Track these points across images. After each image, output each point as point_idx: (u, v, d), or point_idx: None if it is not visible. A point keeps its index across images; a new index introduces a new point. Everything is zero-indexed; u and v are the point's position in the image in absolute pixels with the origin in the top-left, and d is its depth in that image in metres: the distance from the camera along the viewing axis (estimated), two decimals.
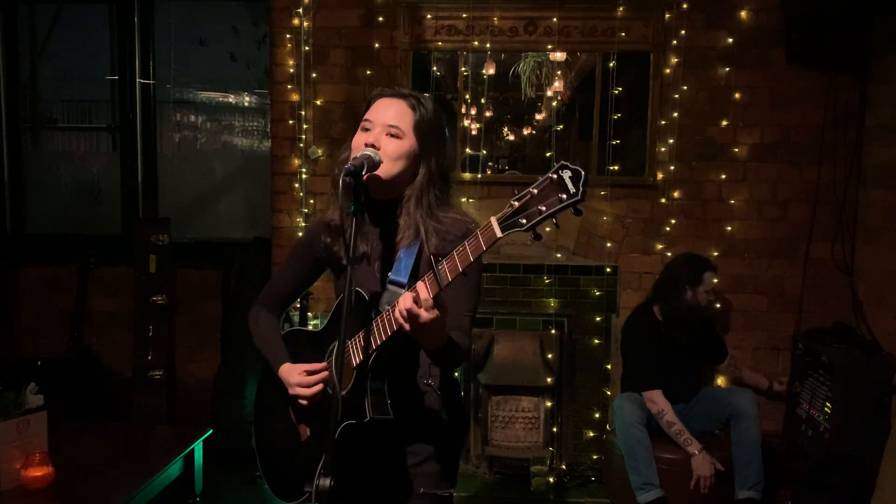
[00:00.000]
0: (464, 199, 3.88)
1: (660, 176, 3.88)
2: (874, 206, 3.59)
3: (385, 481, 1.72)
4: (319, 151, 3.96)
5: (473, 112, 4.00)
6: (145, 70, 4.54)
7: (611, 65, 3.81)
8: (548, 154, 3.95)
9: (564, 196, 1.29)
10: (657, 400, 3.28)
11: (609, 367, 3.87)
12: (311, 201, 4.00)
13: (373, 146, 1.61)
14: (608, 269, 3.86)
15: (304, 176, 3.99)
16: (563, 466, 3.87)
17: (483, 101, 3.98)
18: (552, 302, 3.86)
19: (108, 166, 4.69)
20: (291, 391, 1.70)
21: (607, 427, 3.79)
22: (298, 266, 1.87)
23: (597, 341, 3.87)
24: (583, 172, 1.29)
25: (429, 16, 3.89)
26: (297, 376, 1.69)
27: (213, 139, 4.90)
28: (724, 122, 3.82)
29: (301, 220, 3.99)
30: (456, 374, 1.87)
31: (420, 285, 1.42)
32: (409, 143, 1.65)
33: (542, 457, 3.73)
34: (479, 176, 3.94)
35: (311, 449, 1.71)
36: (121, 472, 2.31)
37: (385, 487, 1.72)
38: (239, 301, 4.12)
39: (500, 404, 3.78)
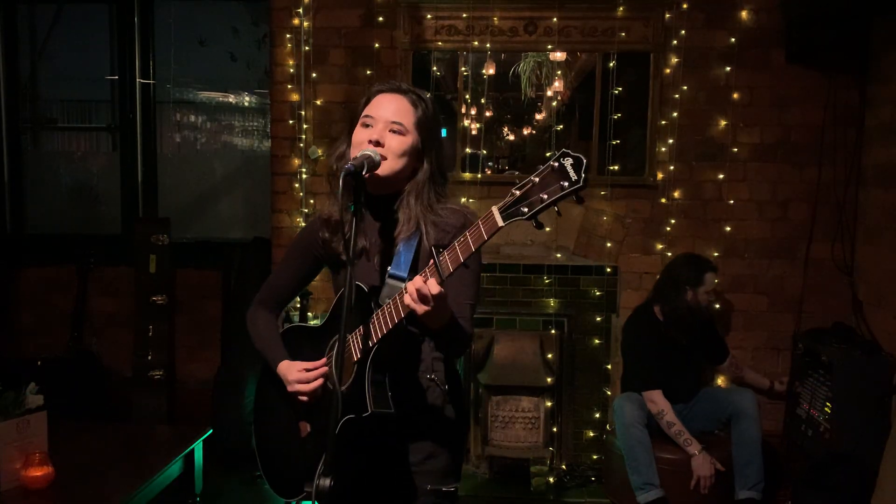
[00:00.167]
0: (464, 199, 3.88)
1: (660, 176, 3.88)
2: (874, 206, 3.59)
3: (389, 478, 1.72)
4: (319, 151, 3.96)
5: (473, 112, 4.00)
6: (145, 70, 4.54)
7: (611, 65, 3.81)
8: (548, 154, 3.94)
9: (566, 183, 1.29)
10: (657, 400, 3.28)
11: (609, 367, 3.87)
12: (311, 201, 4.00)
13: (377, 143, 1.61)
14: (608, 269, 3.86)
15: (304, 176, 3.99)
16: (563, 466, 3.87)
17: (483, 101, 3.98)
18: (552, 302, 3.86)
19: (108, 166, 4.69)
20: (290, 388, 1.70)
21: (607, 427, 3.79)
22: (297, 264, 1.86)
23: (597, 341, 3.87)
24: (584, 159, 1.30)
25: (429, 16, 3.89)
26: (296, 373, 1.69)
27: (213, 139, 4.90)
28: (724, 122, 3.82)
29: (301, 220, 3.99)
30: (458, 368, 1.87)
31: (425, 274, 1.43)
32: (412, 139, 1.65)
33: (542, 457, 3.73)
34: (479, 176, 3.94)
35: (311, 445, 1.71)
36: (121, 472, 2.31)
37: (390, 484, 1.72)
38: (239, 301, 4.12)
39: (500, 404, 3.78)
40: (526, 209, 1.32)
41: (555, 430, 3.86)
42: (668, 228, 3.86)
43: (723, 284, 3.79)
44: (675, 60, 3.81)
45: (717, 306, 3.81)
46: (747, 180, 3.85)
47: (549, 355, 3.86)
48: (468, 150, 3.99)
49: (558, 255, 3.90)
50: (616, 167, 3.87)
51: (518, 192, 1.34)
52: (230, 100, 4.79)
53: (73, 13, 4.74)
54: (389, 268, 1.60)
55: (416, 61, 3.93)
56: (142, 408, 4.13)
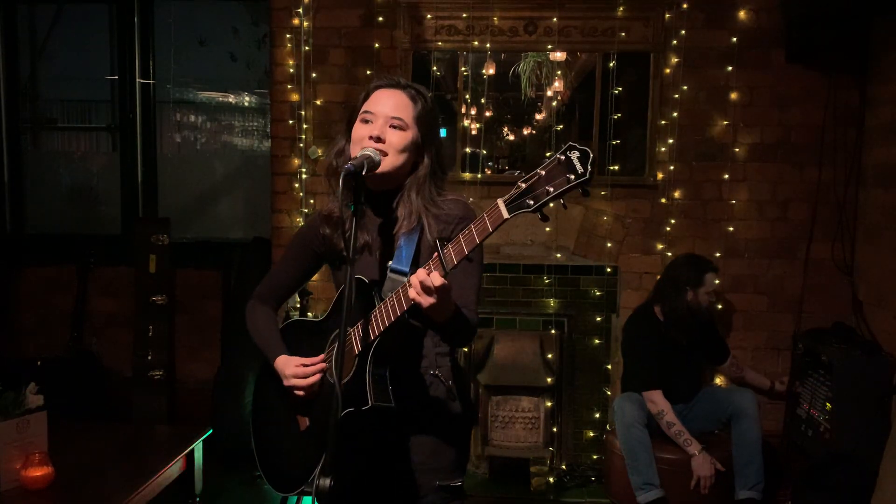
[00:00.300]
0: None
1: (660, 176, 3.87)
2: (874, 206, 3.59)
3: (395, 475, 1.72)
4: (319, 151, 3.96)
5: (473, 112, 4.00)
6: (145, 70, 4.54)
7: (611, 65, 3.81)
8: (548, 154, 3.93)
9: (572, 176, 1.29)
10: (657, 400, 3.28)
11: (609, 367, 3.87)
12: (311, 201, 4.00)
13: (378, 139, 1.60)
14: (608, 269, 3.86)
15: (304, 176, 3.99)
16: (563, 466, 3.87)
17: (483, 101, 3.98)
18: (552, 302, 3.86)
19: (108, 166, 4.70)
20: (287, 383, 1.70)
21: (607, 427, 3.79)
22: (297, 260, 1.86)
23: (597, 341, 3.87)
24: (590, 152, 1.29)
25: (429, 16, 3.89)
26: (293, 368, 1.69)
27: (213, 139, 4.91)
28: (724, 122, 3.82)
29: (301, 220, 3.99)
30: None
31: (429, 266, 1.42)
32: (412, 134, 1.65)
33: (542, 457, 3.73)
34: (479, 176, 3.94)
35: (309, 439, 1.71)
36: (121, 472, 2.31)
37: (396, 481, 1.72)
38: (239, 301, 4.11)
39: (500, 404, 3.78)
40: (532, 201, 1.32)
41: (555, 430, 3.86)
42: (668, 228, 3.86)
43: (723, 284, 3.79)
44: (675, 60, 3.81)
45: (720, 306, 3.81)
46: (747, 180, 3.85)
47: (549, 355, 3.86)
48: (468, 150, 3.99)
49: (558, 255, 3.90)
50: (616, 167, 3.87)
51: (524, 185, 1.33)
52: (230, 100, 4.79)
53: (73, 13, 4.74)
54: (391, 262, 1.60)
55: (416, 61, 3.93)
56: (142, 408, 4.13)
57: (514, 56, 4.09)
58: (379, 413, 1.55)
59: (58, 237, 4.66)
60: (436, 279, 1.38)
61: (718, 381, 3.85)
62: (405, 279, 1.54)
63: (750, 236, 3.86)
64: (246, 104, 4.80)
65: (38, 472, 2.12)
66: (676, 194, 3.86)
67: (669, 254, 3.81)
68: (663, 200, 3.87)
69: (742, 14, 3.77)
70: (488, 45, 3.88)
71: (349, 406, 1.55)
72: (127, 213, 4.56)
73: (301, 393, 1.69)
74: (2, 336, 4.51)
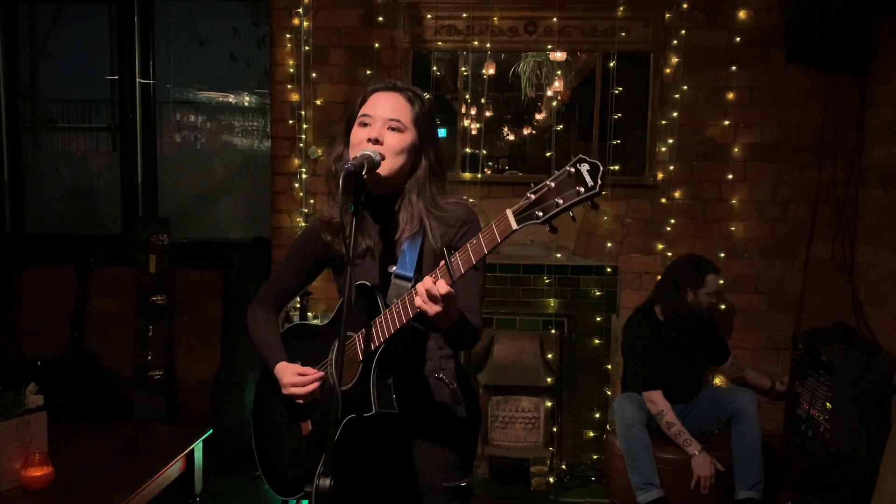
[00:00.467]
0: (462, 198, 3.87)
1: (660, 176, 3.87)
2: (874, 206, 3.59)
3: (401, 477, 1.72)
4: (319, 151, 3.96)
5: (473, 112, 4.00)
6: (145, 70, 4.54)
7: (611, 65, 3.81)
8: (548, 154, 3.95)
9: (582, 189, 1.29)
10: (657, 400, 3.28)
11: (609, 367, 3.87)
12: (311, 201, 4.00)
13: (376, 141, 1.60)
14: (608, 269, 3.86)
15: (304, 176, 3.99)
16: (563, 466, 3.87)
17: (483, 101, 3.98)
18: (552, 302, 3.86)
19: (108, 166, 4.69)
20: (285, 391, 1.70)
21: (607, 427, 3.79)
22: (297, 264, 1.86)
23: (597, 341, 3.87)
24: (600, 165, 1.30)
25: (429, 16, 3.89)
26: (291, 376, 1.69)
27: (213, 139, 4.91)
28: (725, 122, 3.82)
29: (301, 220, 3.99)
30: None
31: (435, 275, 1.42)
32: (410, 136, 1.65)
33: (542, 457, 3.73)
34: (479, 176, 3.94)
35: (312, 444, 1.71)
36: (121, 472, 2.31)
37: (402, 483, 1.72)
38: (239, 301, 4.11)
39: (500, 404, 3.78)
40: (541, 213, 1.32)
41: (555, 430, 3.86)
42: (668, 228, 3.86)
43: (723, 284, 3.79)
44: (675, 60, 3.81)
45: (723, 307, 3.80)
46: (747, 180, 3.85)
47: (549, 355, 3.86)
48: (468, 150, 3.99)
49: (558, 255, 3.90)
50: (616, 167, 3.87)
51: (533, 196, 1.33)
52: (230, 100, 4.79)
53: (73, 13, 4.74)
54: (395, 268, 1.59)
55: (416, 61, 3.93)
56: (142, 408, 4.13)
57: (514, 56, 4.09)
58: (383, 418, 1.55)
59: (58, 237, 4.66)
60: (442, 288, 1.38)
61: (718, 381, 3.85)
62: (409, 284, 1.54)
63: (750, 236, 3.86)
64: (246, 104, 4.80)
65: (38, 472, 2.12)
66: (676, 194, 3.86)
67: (669, 254, 3.81)
68: (663, 200, 3.87)
69: (742, 14, 3.77)
70: (488, 45, 3.88)
71: (352, 412, 1.55)
72: (127, 213, 4.56)
73: (300, 401, 1.69)
74: (2, 336, 4.51)
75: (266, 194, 4.16)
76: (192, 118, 4.87)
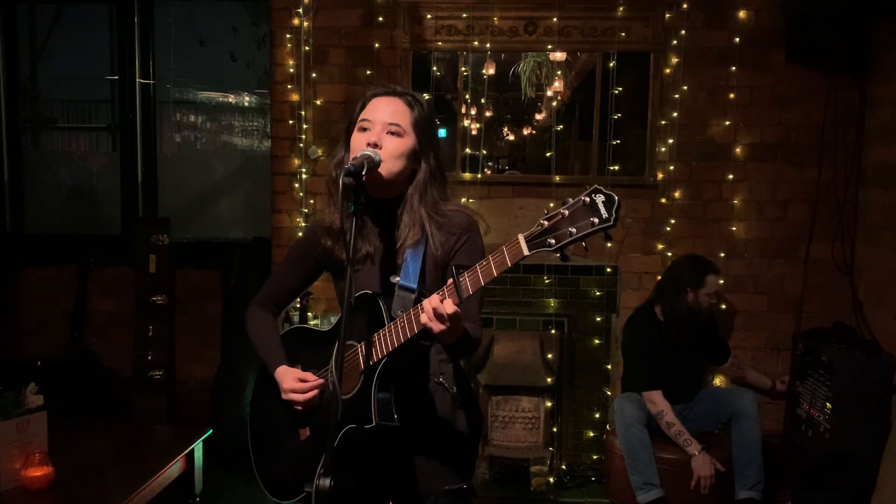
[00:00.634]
0: (464, 199, 3.88)
1: (660, 176, 3.87)
2: (874, 206, 3.59)
3: (401, 480, 1.72)
4: (319, 151, 3.96)
5: (473, 112, 4.00)
6: (145, 70, 4.54)
7: (611, 65, 3.81)
8: (548, 154, 3.95)
9: (596, 220, 1.28)
10: (657, 400, 3.28)
11: (609, 367, 3.87)
12: (311, 201, 4.00)
13: (375, 145, 1.61)
14: (608, 269, 3.86)
15: (304, 176, 3.99)
16: (563, 466, 3.87)
17: (483, 101, 3.98)
18: (552, 302, 3.86)
19: (108, 166, 4.70)
20: (284, 396, 1.70)
21: (607, 427, 3.79)
22: (297, 267, 1.86)
23: (597, 341, 3.87)
24: (616, 198, 1.28)
25: (429, 16, 3.89)
26: (291, 381, 1.68)
27: (213, 139, 4.91)
28: (725, 122, 3.82)
29: (301, 220, 3.99)
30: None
31: (442, 293, 1.43)
32: (409, 140, 1.65)
33: (542, 457, 3.73)
34: (479, 176, 3.94)
35: (310, 449, 1.71)
36: (121, 472, 2.31)
37: (403, 486, 1.72)
38: (239, 301, 4.11)
39: (500, 404, 3.78)
40: (553, 241, 1.32)
41: (555, 430, 3.86)
42: (668, 228, 3.86)
43: (723, 284, 3.79)
44: (675, 60, 3.81)
45: (723, 307, 3.80)
46: (747, 180, 3.85)
47: (549, 355, 3.86)
48: (468, 150, 3.99)
49: (558, 255, 3.89)
50: (616, 167, 3.87)
51: (546, 223, 1.33)
52: (230, 100, 4.80)
53: (73, 13, 4.74)
54: (398, 278, 1.59)
55: (416, 61, 3.93)
56: (142, 408, 4.13)
57: (514, 56, 4.09)
58: (383, 429, 1.55)
59: (58, 237, 4.66)
60: (449, 307, 1.39)
61: (718, 381, 3.85)
62: (413, 296, 1.54)
63: (750, 236, 3.86)
64: (246, 104, 4.80)
65: (38, 472, 2.12)
66: (676, 194, 3.86)
67: (669, 254, 3.81)
68: (663, 200, 3.87)
69: (742, 14, 3.77)
70: (488, 45, 3.88)
71: (352, 422, 1.55)
72: (127, 213, 4.56)
73: (298, 407, 1.69)
74: (2, 336, 4.51)
75: (266, 194, 4.16)
76: (192, 118, 4.87)
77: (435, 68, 3.93)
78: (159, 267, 4.18)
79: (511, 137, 4.31)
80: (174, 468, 2.42)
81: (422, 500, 1.70)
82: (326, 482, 1.39)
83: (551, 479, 3.73)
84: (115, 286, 4.46)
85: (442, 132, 4.05)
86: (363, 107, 1.69)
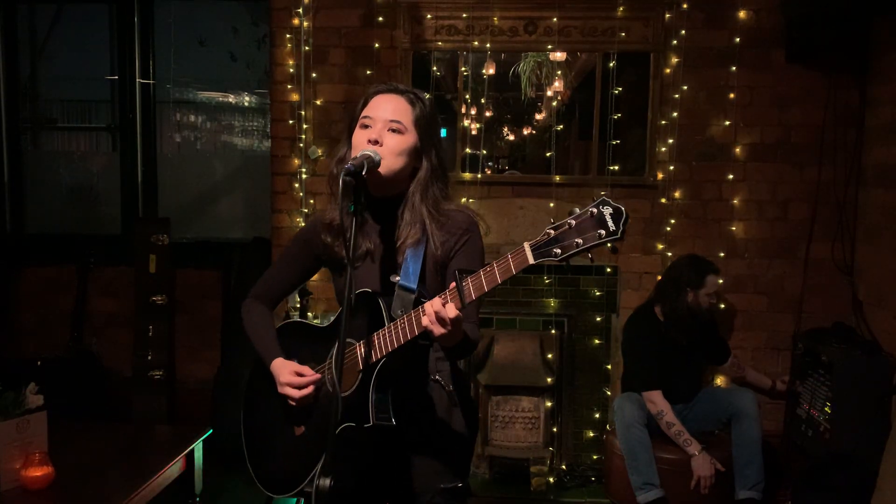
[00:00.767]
0: (464, 199, 3.88)
1: (660, 176, 3.87)
2: (874, 206, 3.59)
3: (397, 478, 1.72)
4: (319, 151, 3.96)
5: (473, 112, 4.00)
6: (145, 70, 4.54)
7: (611, 65, 3.81)
8: (548, 154, 3.95)
9: (603, 232, 1.29)
10: (656, 400, 3.28)
11: (609, 367, 3.87)
12: (311, 201, 4.00)
13: (376, 142, 1.61)
14: (608, 269, 3.86)
15: (304, 176, 3.99)
16: (563, 466, 3.87)
17: (483, 101, 3.98)
18: (552, 302, 3.86)
19: (108, 166, 4.69)
20: (281, 390, 1.70)
21: (607, 427, 3.79)
22: (296, 261, 1.86)
23: (597, 341, 3.87)
24: (624, 211, 1.29)
25: (429, 16, 3.89)
26: (288, 375, 1.68)
27: (213, 139, 4.91)
28: (725, 122, 3.82)
29: (301, 220, 3.99)
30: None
31: (444, 296, 1.43)
32: (411, 137, 1.65)
33: (542, 457, 3.73)
34: (479, 176, 3.94)
35: (305, 444, 1.71)
36: (121, 472, 2.31)
37: (399, 484, 1.72)
38: (239, 301, 4.06)
39: (500, 404, 3.78)
40: (559, 251, 1.32)
41: (555, 430, 3.86)
42: (668, 228, 3.86)
43: (723, 284, 3.79)
44: (675, 60, 3.81)
45: (723, 307, 3.80)
46: (747, 180, 3.85)
47: (549, 355, 3.86)
48: (468, 150, 3.99)
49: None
50: (616, 167, 3.87)
51: (552, 232, 1.33)
52: (230, 100, 4.80)
53: (73, 13, 4.74)
54: (399, 278, 1.59)
55: (416, 61, 3.93)
56: (142, 408, 4.13)
57: (514, 56, 4.09)
58: (379, 429, 1.55)
59: (58, 237, 4.66)
60: (451, 311, 1.40)
61: (719, 381, 3.85)
62: (412, 296, 1.54)
63: (750, 236, 3.86)
64: (246, 104, 4.80)
65: (38, 472, 2.12)
66: (676, 194, 3.86)
67: (669, 254, 3.81)
68: (663, 200, 3.87)
69: (742, 14, 3.77)
70: (488, 45, 3.88)
71: (349, 421, 1.55)
72: (127, 213, 4.56)
73: (293, 403, 1.69)
74: (2, 336, 4.51)
75: (266, 194, 4.16)
76: (192, 118, 4.87)
77: (435, 68, 3.93)
78: (159, 267, 4.18)
79: (511, 137, 4.31)
80: (174, 468, 2.42)
81: (417, 498, 1.70)
82: (326, 482, 1.39)
83: (551, 479, 3.73)
84: (115, 286, 4.46)
85: (442, 132, 4.05)
86: (365, 104, 1.69)
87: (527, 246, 1.35)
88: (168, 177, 4.63)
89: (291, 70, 3.95)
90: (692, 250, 3.74)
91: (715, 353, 3.66)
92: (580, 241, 1.31)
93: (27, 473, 2.11)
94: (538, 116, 4.26)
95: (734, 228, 3.86)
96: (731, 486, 3.22)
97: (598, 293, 3.86)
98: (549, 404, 3.78)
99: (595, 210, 1.30)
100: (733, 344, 3.79)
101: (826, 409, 3.31)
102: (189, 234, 4.61)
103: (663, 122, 3.85)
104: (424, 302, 1.45)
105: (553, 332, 3.87)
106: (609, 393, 3.87)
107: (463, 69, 3.96)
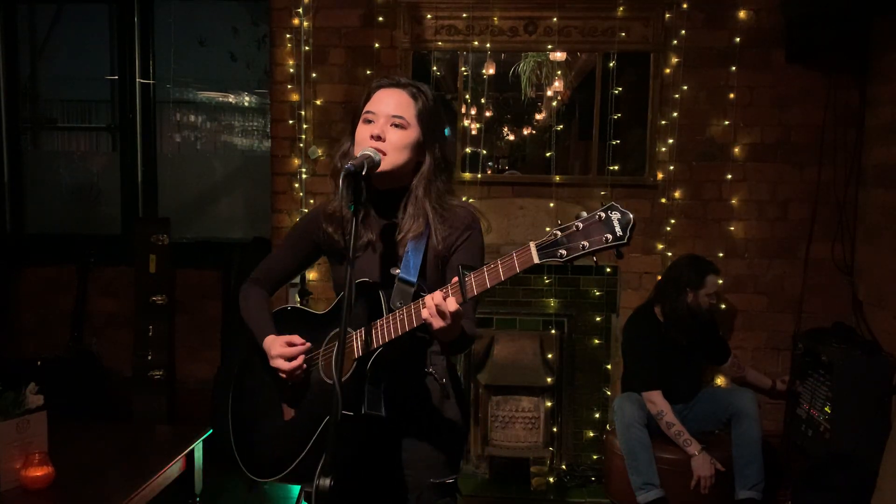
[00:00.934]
0: (464, 199, 3.87)
1: (660, 176, 3.87)
2: (874, 206, 3.59)
3: (388, 472, 1.71)
4: (319, 151, 3.96)
5: (473, 112, 4.00)
6: (145, 70, 4.54)
7: (611, 65, 3.81)
8: (548, 154, 3.95)
9: (610, 237, 1.29)
10: (656, 401, 3.28)
11: (609, 367, 3.87)
12: (311, 201, 4.00)
13: (378, 137, 1.61)
14: (608, 269, 3.86)
15: (304, 176, 3.99)
16: (563, 466, 3.87)
17: (483, 101, 3.98)
18: (552, 302, 3.86)
19: (108, 166, 4.69)
20: (272, 363, 1.69)
21: (607, 427, 3.79)
22: (296, 248, 1.86)
23: (597, 341, 3.87)
24: (632, 217, 1.29)
25: (429, 16, 3.89)
26: (279, 347, 1.68)
27: (213, 139, 4.91)
28: (725, 122, 3.82)
29: None
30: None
31: (446, 290, 1.43)
32: (414, 132, 1.65)
33: (542, 457, 3.73)
34: (479, 176, 3.94)
35: (292, 430, 1.70)
36: (121, 472, 2.31)
37: (390, 478, 1.72)
38: (239, 301, 4.11)
39: (500, 404, 3.78)
40: (564, 252, 1.32)
41: (555, 430, 3.86)
42: (669, 228, 3.86)
43: (723, 284, 3.79)
44: (675, 60, 3.81)
45: (723, 307, 3.80)
46: (747, 180, 3.85)
47: (549, 355, 3.86)
48: (468, 150, 3.99)
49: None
50: (616, 167, 3.87)
51: (559, 233, 1.33)
52: (230, 100, 4.79)
53: (73, 13, 4.74)
54: (399, 271, 1.59)
55: (416, 61, 3.93)
56: (142, 408, 4.13)
57: (514, 56, 4.09)
58: (368, 418, 1.55)
59: (58, 237, 4.65)
60: (451, 305, 1.40)
61: (719, 381, 3.85)
62: (412, 289, 1.54)
63: (750, 236, 3.86)
64: (246, 104, 4.80)
65: (38, 472, 2.12)
66: (676, 194, 3.86)
67: (669, 254, 3.81)
68: (663, 200, 3.87)
69: (742, 14, 3.77)
70: (488, 45, 3.88)
71: (342, 408, 1.55)
72: (127, 213, 4.56)
73: (283, 375, 1.69)
74: (2, 336, 4.51)
75: (266, 194, 4.16)
76: (192, 118, 4.87)
77: (435, 68, 3.93)
78: (159, 267, 4.18)
79: (511, 137, 4.30)
80: (174, 468, 2.42)
81: (408, 492, 1.70)
82: (326, 482, 1.39)
83: (551, 479, 3.73)
84: (115, 286, 4.46)
85: (445, 130, 4.05)
86: (368, 98, 1.69)
87: (532, 245, 1.35)
88: (168, 177, 4.63)
89: (291, 70, 3.95)
90: (692, 250, 3.74)
91: (715, 353, 3.66)
92: (586, 243, 1.31)
93: (27, 473, 2.12)
94: (538, 116, 4.26)
95: (734, 228, 3.86)
96: (731, 486, 3.22)
97: (598, 293, 3.86)
98: (549, 404, 3.79)
99: (603, 214, 1.30)
100: (733, 344, 3.79)
101: (826, 409, 3.31)
102: (189, 234, 4.61)
103: (663, 122, 3.85)
104: (423, 296, 1.45)
105: (553, 332, 3.87)
106: (609, 393, 3.87)
107: (463, 69, 3.96)
